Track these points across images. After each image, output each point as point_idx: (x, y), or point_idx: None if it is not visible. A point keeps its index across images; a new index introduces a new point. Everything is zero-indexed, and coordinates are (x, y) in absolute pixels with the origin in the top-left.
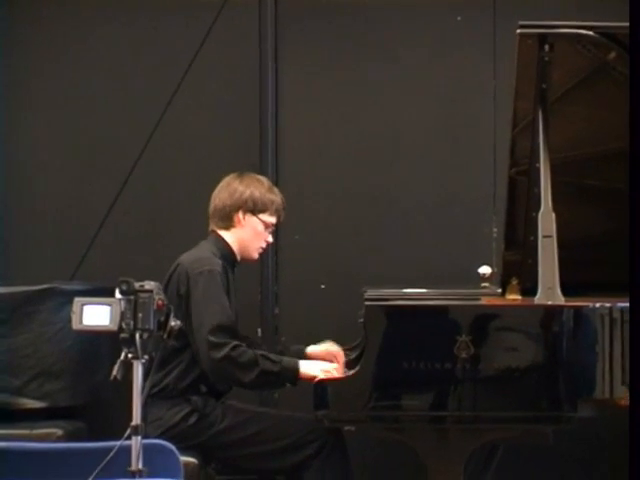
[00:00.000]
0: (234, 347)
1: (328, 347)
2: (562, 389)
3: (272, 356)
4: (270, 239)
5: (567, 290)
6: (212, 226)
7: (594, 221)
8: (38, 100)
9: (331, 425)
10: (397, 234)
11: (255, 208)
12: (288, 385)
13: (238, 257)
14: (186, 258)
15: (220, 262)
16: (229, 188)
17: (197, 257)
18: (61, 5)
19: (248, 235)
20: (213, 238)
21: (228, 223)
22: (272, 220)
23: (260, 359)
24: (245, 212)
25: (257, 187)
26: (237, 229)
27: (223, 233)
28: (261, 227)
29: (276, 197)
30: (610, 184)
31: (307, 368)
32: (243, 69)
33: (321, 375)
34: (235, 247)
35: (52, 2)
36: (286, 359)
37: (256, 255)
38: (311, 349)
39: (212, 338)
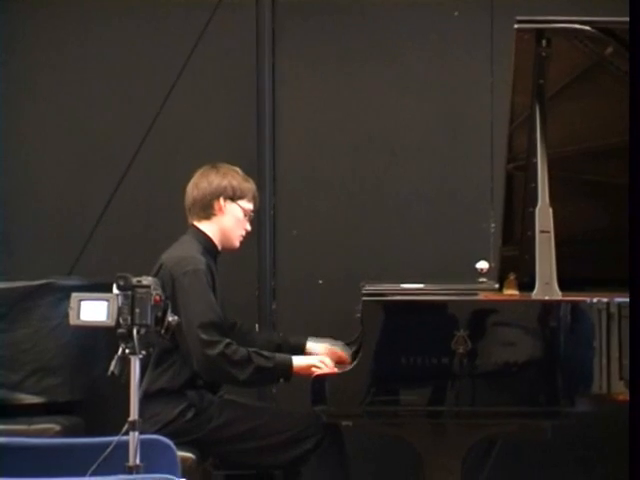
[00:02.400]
0: (227, 345)
1: (329, 346)
2: (559, 384)
3: (265, 352)
4: (248, 227)
5: (564, 285)
6: (191, 219)
7: (591, 216)
8: (36, 98)
9: (329, 420)
10: (395, 229)
11: (235, 195)
12: (282, 381)
13: (219, 247)
14: (169, 258)
15: (203, 260)
16: (207, 178)
17: (180, 257)
18: (59, 5)
19: (230, 222)
20: (193, 232)
21: (209, 212)
22: (250, 207)
23: (253, 356)
24: (225, 199)
25: (233, 176)
26: (218, 217)
27: (203, 225)
28: (241, 214)
29: (252, 185)
30: (607, 179)
31: (300, 361)
32: (240, 68)
33: (317, 363)
34: (216, 237)
35: (50, 2)
36: (279, 355)
37: (237, 243)
38: (310, 345)
39: (204, 336)
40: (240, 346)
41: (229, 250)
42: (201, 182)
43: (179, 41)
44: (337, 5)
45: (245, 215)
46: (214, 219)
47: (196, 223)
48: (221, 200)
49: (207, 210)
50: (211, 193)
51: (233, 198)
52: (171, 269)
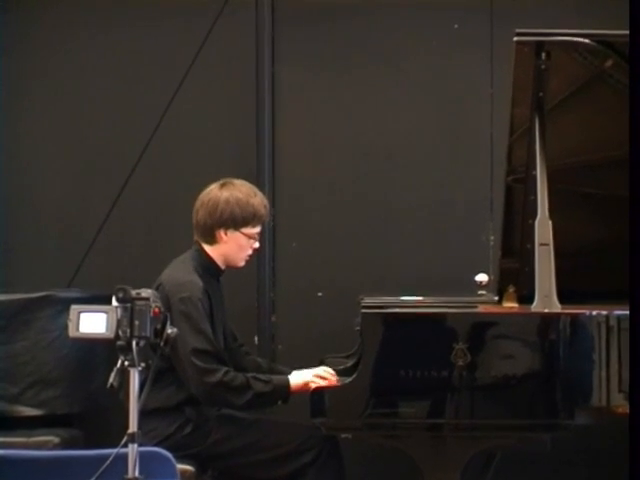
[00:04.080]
0: (225, 373)
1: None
2: (559, 397)
3: (262, 376)
4: (256, 245)
5: (564, 298)
6: (196, 237)
7: (591, 228)
8: (35, 110)
9: (328, 433)
10: (394, 241)
11: (236, 224)
12: (280, 403)
13: (223, 267)
14: (167, 280)
15: (200, 285)
16: (209, 205)
17: (178, 281)
18: (61, 7)
19: (232, 250)
20: (196, 250)
21: (211, 239)
22: (256, 230)
23: (252, 381)
24: (227, 229)
25: (237, 201)
26: (220, 245)
27: (207, 247)
28: (245, 240)
29: (258, 205)
30: (607, 191)
31: (297, 379)
32: (240, 74)
33: (313, 379)
34: (219, 260)
35: (53, 4)
36: (276, 377)
37: (242, 264)
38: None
39: (200, 363)
40: (237, 372)
41: (234, 268)
42: (203, 208)
43: (180, 48)
44: (337, 13)
45: (250, 238)
46: (216, 246)
47: (201, 242)
48: (222, 231)
49: (208, 237)
50: (212, 224)
51: (235, 227)
52: (168, 292)
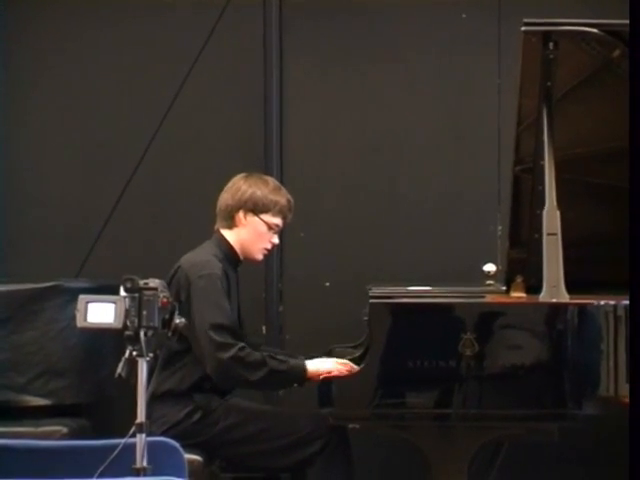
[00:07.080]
0: (241, 348)
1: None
2: (567, 387)
3: (279, 356)
4: (276, 240)
5: (571, 287)
6: (217, 225)
7: (598, 218)
8: (42, 97)
9: (336, 423)
10: (402, 232)
11: (256, 208)
12: (295, 386)
13: (241, 257)
14: (186, 261)
15: (220, 265)
16: (233, 188)
17: (197, 261)
18: (63, 5)
19: (249, 235)
20: (216, 238)
21: (230, 222)
22: (275, 221)
23: (267, 359)
24: (246, 212)
25: (260, 187)
26: (239, 229)
27: (226, 232)
28: (263, 227)
29: (281, 198)
30: (614, 182)
31: (316, 366)
32: (247, 69)
33: (335, 367)
34: (237, 247)
35: (54, 3)
36: (293, 360)
37: (260, 256)
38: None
39: (217, 338)
40: (253, 350)
41: (251, 261)
42: (227, 192)
43: (186, 43)
44: (344, 6)
45: (270, 229)
46: (235, 230)
47: (221, 230)
48: (241, 213)
49: (229, 220)
50: (232, 205)
51: (255, 211)
52: (188, 272)
